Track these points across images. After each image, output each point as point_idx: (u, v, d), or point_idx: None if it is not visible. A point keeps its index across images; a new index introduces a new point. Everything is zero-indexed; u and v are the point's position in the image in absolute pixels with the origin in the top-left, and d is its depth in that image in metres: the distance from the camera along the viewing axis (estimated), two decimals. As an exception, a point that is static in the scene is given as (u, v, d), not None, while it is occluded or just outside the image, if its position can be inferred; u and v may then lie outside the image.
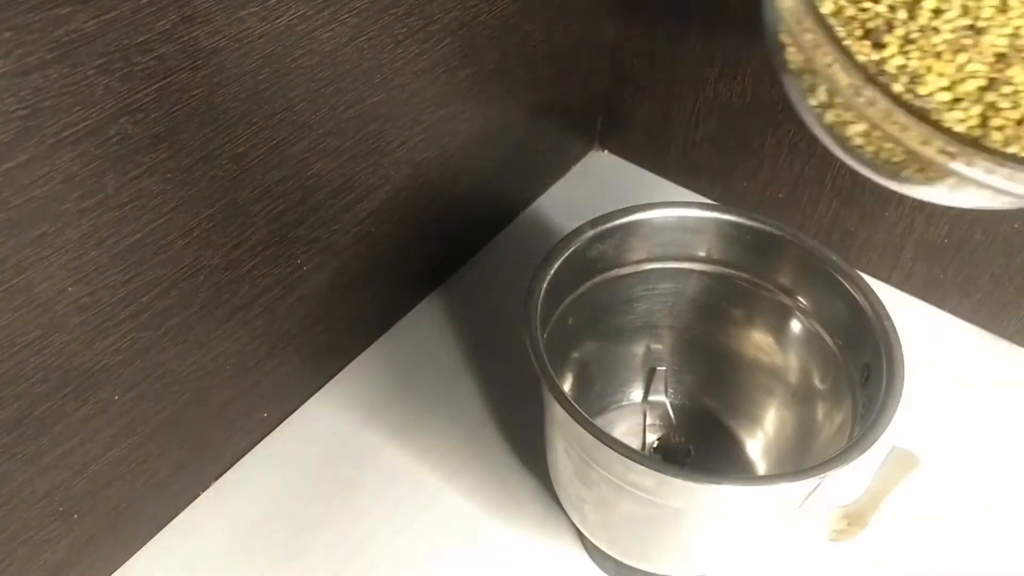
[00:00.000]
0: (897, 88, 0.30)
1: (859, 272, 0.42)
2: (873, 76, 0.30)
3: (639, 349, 0.51)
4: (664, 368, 0.51)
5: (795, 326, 0.45)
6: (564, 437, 0.39)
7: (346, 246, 0.51)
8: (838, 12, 0.31)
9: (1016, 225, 0.54)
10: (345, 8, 0.42)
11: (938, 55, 0.30)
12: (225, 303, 0.45)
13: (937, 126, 0.29)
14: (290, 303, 0.49)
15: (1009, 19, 0.30)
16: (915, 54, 0.30)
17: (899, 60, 0.30)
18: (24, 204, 0.33)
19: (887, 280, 0.62)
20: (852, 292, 0.41)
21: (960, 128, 0.30)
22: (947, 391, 0.56)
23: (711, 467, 0.50)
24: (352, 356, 0.58)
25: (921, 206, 0.57)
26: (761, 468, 0.49)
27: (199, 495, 0.51)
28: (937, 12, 0.30)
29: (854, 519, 0.42)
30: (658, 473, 0.34)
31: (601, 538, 0.43)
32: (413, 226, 0.56)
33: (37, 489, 0.40)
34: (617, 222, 0.44)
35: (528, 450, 0.53)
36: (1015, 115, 0.29)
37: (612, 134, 0.72)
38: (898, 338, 0.39)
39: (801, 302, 0.45)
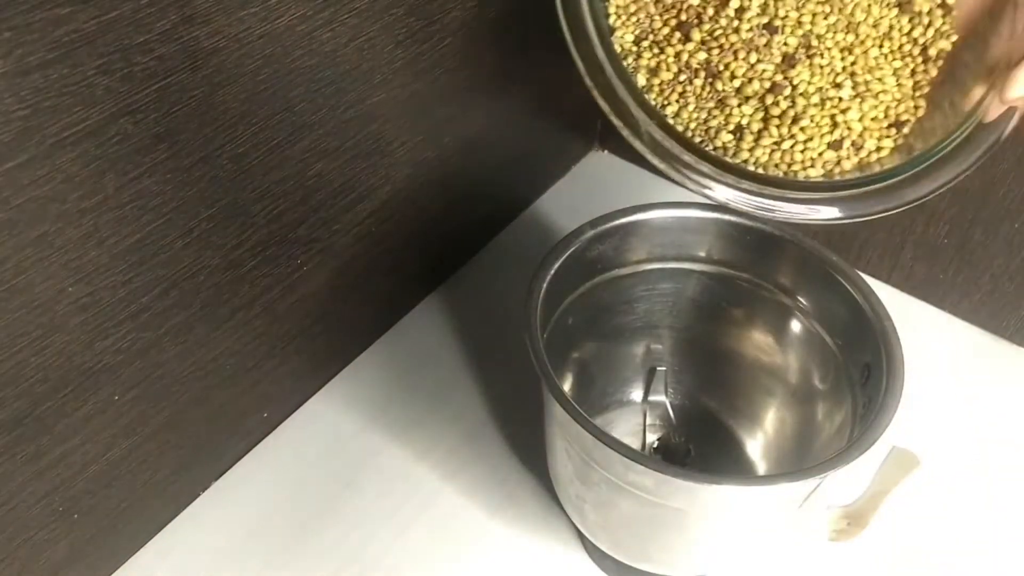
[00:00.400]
0: (697, 82, 0.32)
1: (859, 272, 0.42)
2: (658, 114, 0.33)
3: (639, 349, 0.51)
4: (664, 368, 0.51)
5: (795, 326, 0.45)
6: (564, 437, 0.39)
7: (346, 246, 0.51)
8: (657, 2, 0.33)
9: (1016, 225, 0.54)
10: (345, 8, 0.42)
11: (735, 53, 0.32)
12: (225, 303, 0.45)
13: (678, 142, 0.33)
14: (290, 303, 0.49)
15: (802, 17, 0.32)
16: (715, 50, 0.32)
17: (702, 55, 0.32)
18: (24, 204, 0.33)
19: (887, 280, 0.62)
20: (852, 292, 0.41)
21: (746, 122, 0.32)
22: (947, 391, 0.56)
23: (711, 467, 0.50)
24: (352, 356, 0.58)
25: (921, 206, 0.57)
26: (761, 468, 0.49)
27: (199, 495, 0.51)
28: (741, 10, 0.32)
29: (854, 519, 0.42)
30: (658, 473, 0.34)
31: (601, 538, 0.43)
32: (413, 226, 0.56)
33: (37, 489, 0.40)
34: (617, 222, 0.44)
35: (528, 450, 0.53)
36: (792, 113, 0.32)
37: (612, 134, 0.72)
38: (898, 338, 0.39)
39: (801, 302, 0.45)
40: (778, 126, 0.32)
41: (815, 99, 0.32)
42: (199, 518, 0.50)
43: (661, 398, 0.52)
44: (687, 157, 0.33)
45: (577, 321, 0.45)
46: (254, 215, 0.44)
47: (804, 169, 0.33)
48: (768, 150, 0.33)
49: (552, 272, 0.41)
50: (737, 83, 0.32)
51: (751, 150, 0.33)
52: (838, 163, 0.33)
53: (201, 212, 0.41)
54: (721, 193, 0.32)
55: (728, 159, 0.33)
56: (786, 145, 0.32)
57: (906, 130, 0.33)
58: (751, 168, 0.33)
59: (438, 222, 0.58)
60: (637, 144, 0.33)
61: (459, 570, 0.48)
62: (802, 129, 0.32)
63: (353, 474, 0.52)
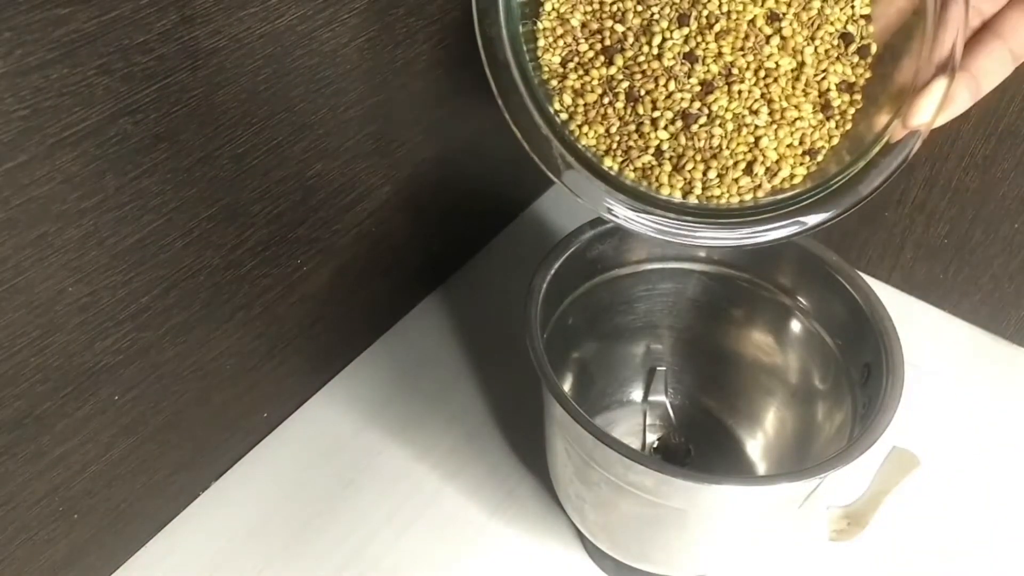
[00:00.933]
0: (618, 105, 0.33)
1: (859, 272, 0.42)
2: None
3: (639, 349, 0.51)
4: (664, 368, 0.51)
5: (795, 326, 0.45)
6: (564, 437, 0.39)
7: (346, 246, 0.51)
8: (584, 26, 0.34)
9: (1016, 225, 0.54)
10: (345, 8, 0.42)
11: (656, 80, 0.33)
12: (225, 303, 0.45)
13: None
14: (290, 303, 0.49)
15: (722, 48, 0.32)
16: (638, 77, 0.33)
17: (626, 83, 0.33)
18: (24, 204, 0.33)
19: (887, 280, 0.62)
20: (852, 292, 0.41)
21: (665, 147, 0.33)
22: (947, 391, 0.56)
23: (711, 467, 0.50)
24: (352, 356, 0.58)
25: (921, 206, 0.57)
26: (761, 468, 0.49)
27: (199, 495, 0.51)
28: (664, 40, 0.33)
29: (854, 519, 0.42)
30: (658, 473, 0.34)
31: (601, 538, 0.43)
32: (413, 226, 0.56)
33: (37, 489, 0.40)
34: (617, 222, 0.44)
35: (528, 450, 0.53)
36: (709, 141, 0.33)
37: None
38: (898, 338, 0.39)
39: (801, 302, 0.45)
40: (695, 153, 0.33)
41: (731, 126, 0.33)
42: (199, 518, 0.50)
43: (661, 398, 0.52)
44: (605, 189, 0.33)
45: (577, 321, 0.45)
46: (254, 215, 0.44)
47: (720, 197, 0.33)
48: (684, 177, 0.33)
49: (552, 272, 0.41)
50: (656, 113, 0.33)
51: (670, 176, 0.33)
52: (753, 190, 0.33)
53: (201, 212, 0.41)
54: (633, 218, 0.33)
55: (645, 189, 0.33)
56: (699, 173, 0.33)
57: (820, 157, 0.33)
58: (665, 197, 0.33)
59: (438, 222, 0.58)
60: (557, 178, 0.33)
61: (459, 570, 0.48)
62: (718, 156, 0.33)
63: (353, 474, 0.52)
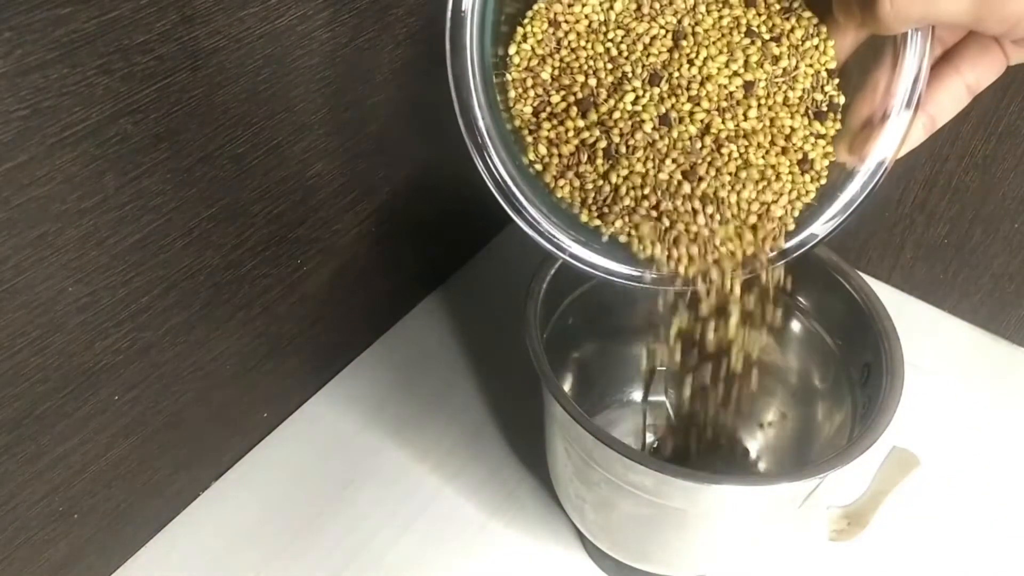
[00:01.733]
0: (598, 162, 0.32)
1: (859, 272, 0.42)
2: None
3: (639, 349, 0.51)
4: (664, 368, 0.51)
5: (795, 326, 0.45)
6: (564, 437, 0.39)
7: (346, 246, 0.51)
8: (555, 79, 0.33)
9: (1016, 225, 0.54)
10: (345, 8, 0.42)
11: (634, 150, 0.32)
12: (225, 303, 0.45)
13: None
14: (290, 303, 0.49)
15: (695, 112, 0.32)
16: (615, 131, 0.32)
17: (604, 143, 0.32)
18: (24, 204, 0.33)
19: (887, 280, 0.62)
20: (852, 292, 0.41)
21: (634, 198, 0.32)
22: (947, 391, 0.56)
23: (711, 467, 0.50)
24: (352, 356, 0.58)
25: (921, 206, 0.57)
26: (761, 468, 0.49)
27: (199, 495, 0.51)
28: (637, 98, 0.32)
29: (854, 519, 0.42)
30: (658, 473, 0.34)
31: (601, 538, 0.43)
32: (413, 226, 0.56)
33: (37, 489, 0.40)
34: (617, 222, 0.44)
35: (528, 450, 0.53)
36: (703, 231, 0.32)
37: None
38: (898, 338, 0.39)
39: (801, 302, 0.45)
40: (681, 229, 0.32)
41: (718, 191, 0.32)
42: (199, 518, 0.50)
43: (661, 398, 0.52)
44: (578, 240, 0.33)
45: (577, 321, 0.45)
46: (254, 215, 0.44)
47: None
48: (666, 248, 0.33)
49: (552, 272, 0.41)
50: (640, 174, 0.32)
51: (650, 240, 0.33)
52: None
53: (201, 212, 0.41)
54: (605, 268, 0.33)
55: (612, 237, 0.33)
56: (682, 250, 0.33)
57: (799, 212, 0.33)
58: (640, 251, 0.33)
59: (438, 222, 0.58)
60: (528, 228, 0.33)
61: (459, 570, 0.48)
62: (707, 245, 0.33)
63: (353, 474, 0.52)
